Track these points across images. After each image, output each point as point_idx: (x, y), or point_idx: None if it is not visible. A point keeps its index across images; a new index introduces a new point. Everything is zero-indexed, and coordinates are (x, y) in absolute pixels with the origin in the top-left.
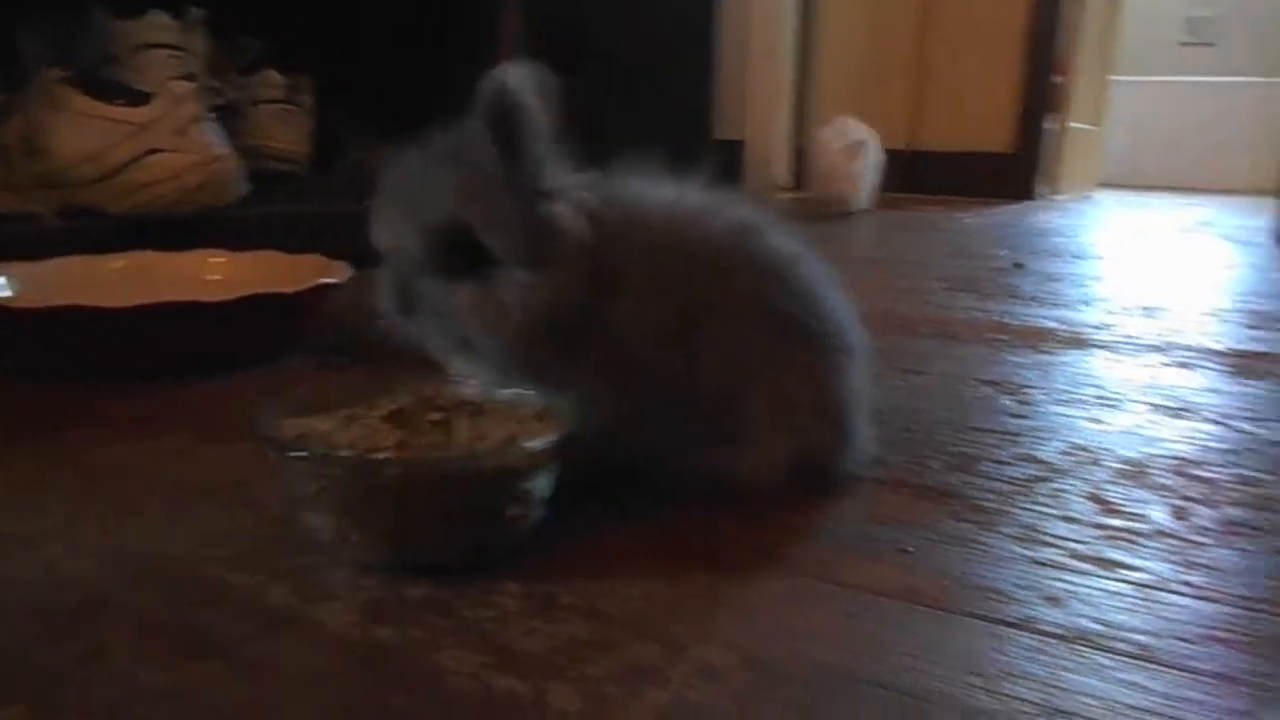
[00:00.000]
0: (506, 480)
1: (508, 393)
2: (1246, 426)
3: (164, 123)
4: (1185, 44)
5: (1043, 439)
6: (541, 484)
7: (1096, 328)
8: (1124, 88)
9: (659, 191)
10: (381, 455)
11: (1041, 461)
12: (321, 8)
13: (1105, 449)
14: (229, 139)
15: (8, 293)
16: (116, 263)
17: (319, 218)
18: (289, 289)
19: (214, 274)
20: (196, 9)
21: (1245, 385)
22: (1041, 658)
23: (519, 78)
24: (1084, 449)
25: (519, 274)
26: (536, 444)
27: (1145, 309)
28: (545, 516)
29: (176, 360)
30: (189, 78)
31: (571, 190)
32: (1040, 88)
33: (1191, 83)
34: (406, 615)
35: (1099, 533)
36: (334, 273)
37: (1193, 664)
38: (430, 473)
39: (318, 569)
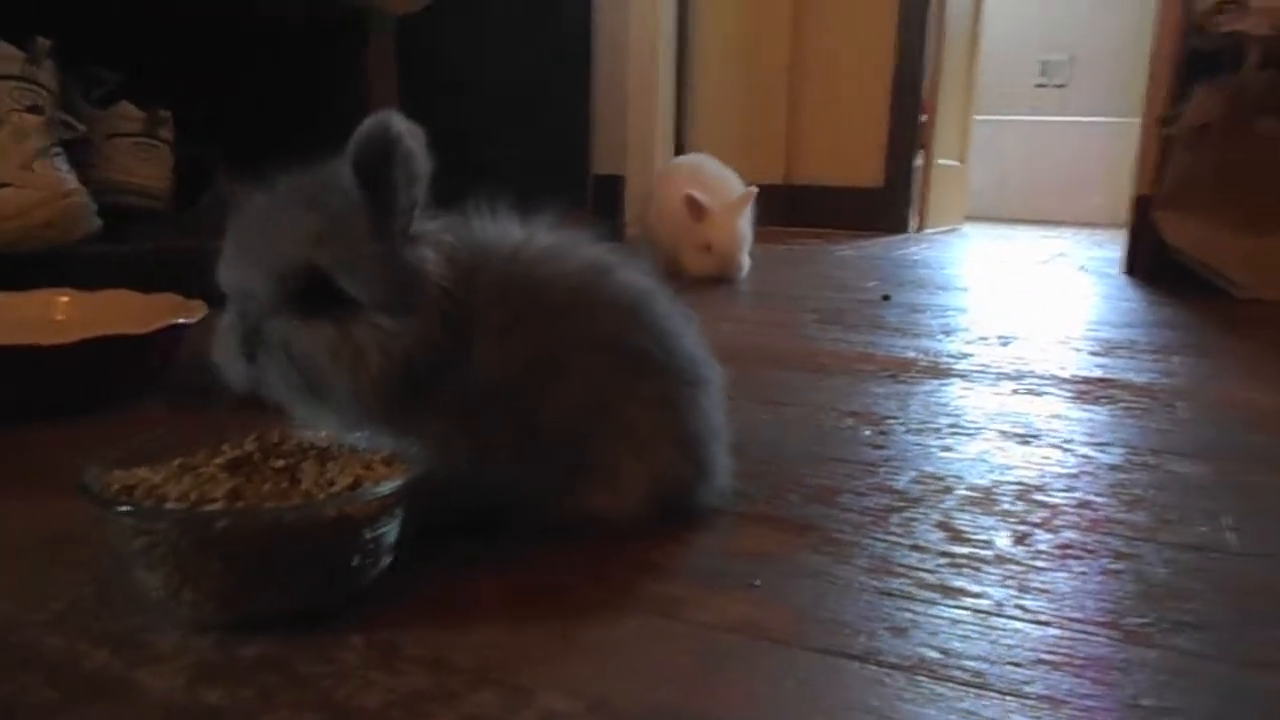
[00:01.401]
0: (349, 528)
1: (357, 437)
2: (1087, 451)
3: (7, 157)
4: (1040, 85)
5: (898, 469)
6: (388, 530)
7: (955, 357)
8: (985, 126)
9: (509, 232)
10: (212, 507)
11: (896, 491)
12: (185, 40)
13: (956, 477)
14: (81, 173)
15: None
16: None
17: (178, 255)
18: (136, 330)
19: (59, 314)
20: (44, 39)
21: (1088, 410)
22: (881, 689)
23: (401, 123)
24: (936, 477)
25: (378, 318)
26: (381, 489)
27: (1001, 338)
28: (394, 563)
29: (13, 407)
30: (35, 110)
31: (433, 234)
32: (907, 126)
33: (1047, 121)
34: (239, 675)
35: (945, 561)
36: (188, 312)
37: (1024, 689)
38: (265, 523)
39: (145, 630)
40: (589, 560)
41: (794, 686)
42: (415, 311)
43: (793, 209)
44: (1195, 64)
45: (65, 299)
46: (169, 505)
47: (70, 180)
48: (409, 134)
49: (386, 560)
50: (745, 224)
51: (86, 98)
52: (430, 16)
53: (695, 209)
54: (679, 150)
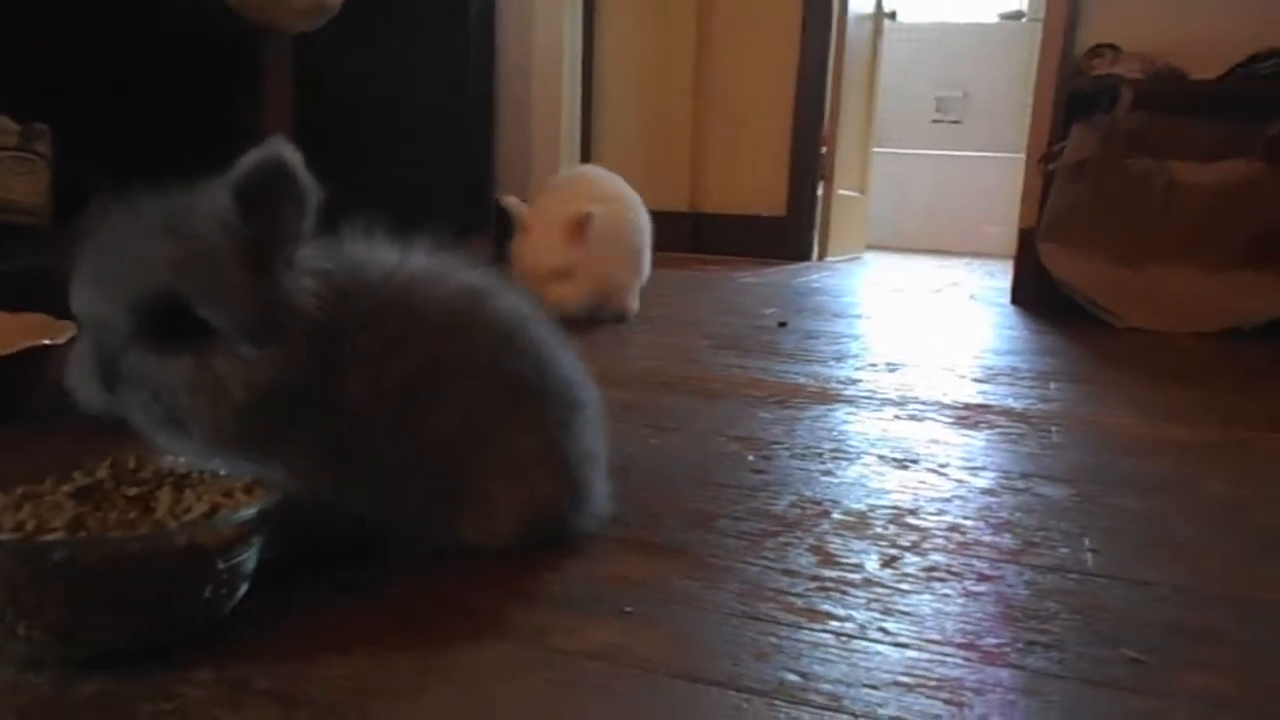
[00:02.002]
0: (201, 558)
1: (218, 463)
2: (961, 475)
3: None
4: (936, 121)
5: (778, 493)
6: (244, 559)
7: (844, 383)
8: (885, 159)
9: (382, 256)
10: (51, 536)
11: (774, 515)
12: (68, 54)
13: (833, 501)
14: None
15: None
16: None
17: (50, 274)
18: None
19: None
20: None
21: (966, 435)
22: (739, 714)
23: (292, 154)
24: (814, 502)
25: (241, 348)
26: (235, 517)
27: (890, 365)
28: (251, 593)
29: None
30: None
31: (309, 261)
32: (809, 157)
33: (942, 155)
34: (73, 715)
35: (814, 585)
36: (55, 333)
37: (879, 711)
38: (108, 554)
39: None
40: (457, 589)
41: (653, 714)
42: (281, 340)
43: (697, 236)
44: (1075, 104)
45: None
46: (1, 535)
47: None
48: (300, 166)
49: (243, 590)
50: (578, 254)
51: None
52: (328, 34)
53: (517, 220)
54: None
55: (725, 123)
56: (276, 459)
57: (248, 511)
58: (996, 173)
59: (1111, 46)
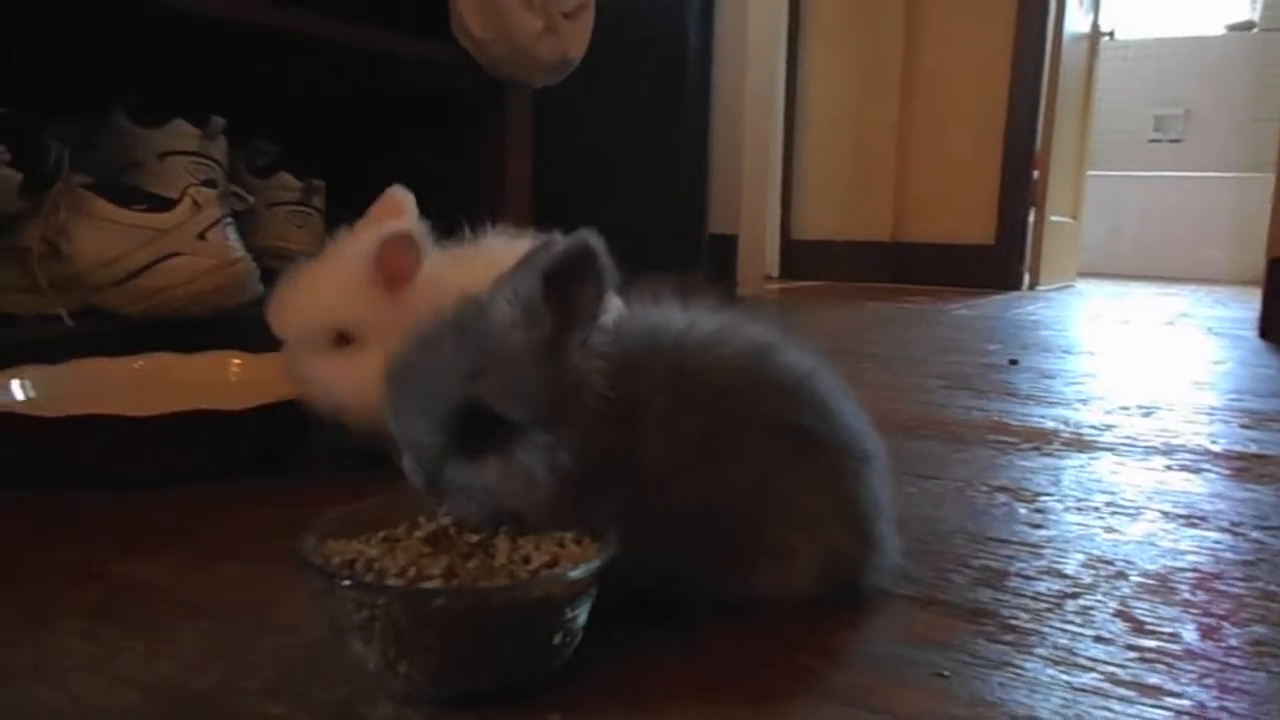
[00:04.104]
0: (552, 609)
1: None
2: (1258, 535)
3: (185, 228)
4: (1154, 140)
5: (1063, 551)
6: (583, 610)
7: (1097, 429)
8: (1099, 182)
9: (674, 319)
10: (431, 584)
11: (1066, 576)
12: (332, 113)
13: (1126, 561)
14: (245, 241)
15: (26, 395)
16: (135, 364)
17: None
18: None
19: (233, 375)
20: (218, 118)
21: (1250, 490)
22: None
23: (597, 242)
24: (1106, 561)
25: (540, 436)
26: (581, 571)
27: (1142, 408)
28: (582, 643)
29: (199, 468)
30: (210, 184)
31: (598, 342)
32: (1019, 182)
33: (1161, 177)
34: None
35: (1134, 654)
36: None
37: None
38: (479, 602)
39: (358, 701)
40: (766, 644)
41: None
42: (575, 422)
43: (899, 267)
44: None
45: (237, 361)
46: (390, 581)
47: (238, 248)
48: (603, 253)
49: (579, 640)
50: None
51: (249, 168)
52: (559, 84)
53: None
54: (785, 208)
55: (931, 149)
56: (591, 516)
57: (590, 565)
58: (1220, 194)
59: None
